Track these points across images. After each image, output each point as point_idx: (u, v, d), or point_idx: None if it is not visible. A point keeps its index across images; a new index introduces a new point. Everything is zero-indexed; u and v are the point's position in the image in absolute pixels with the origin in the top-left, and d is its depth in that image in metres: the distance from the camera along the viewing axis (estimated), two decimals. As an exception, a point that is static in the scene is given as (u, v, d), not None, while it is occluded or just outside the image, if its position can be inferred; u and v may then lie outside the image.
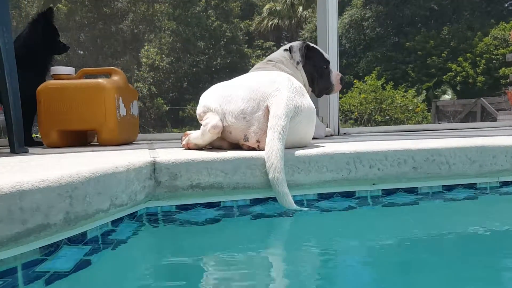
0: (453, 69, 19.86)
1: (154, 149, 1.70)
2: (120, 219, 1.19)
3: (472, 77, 19.60)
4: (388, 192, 1.49)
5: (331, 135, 2.62)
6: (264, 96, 1.42)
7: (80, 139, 2.27)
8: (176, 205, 1.33)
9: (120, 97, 2.12)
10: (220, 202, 1.35)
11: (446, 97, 19.06)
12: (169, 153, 1.45)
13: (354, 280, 0.90)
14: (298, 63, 2.35)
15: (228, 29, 21.72)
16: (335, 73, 2.50)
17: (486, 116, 14.09)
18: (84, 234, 1.06)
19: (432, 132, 2.82)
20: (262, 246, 1.11)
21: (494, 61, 19.16)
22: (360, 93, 14.65)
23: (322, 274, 0.95)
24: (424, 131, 3.09)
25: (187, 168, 1.29)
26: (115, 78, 2.17)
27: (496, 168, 1.53)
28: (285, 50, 2.39)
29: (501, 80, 18.47)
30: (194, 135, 1.54)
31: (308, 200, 1.42)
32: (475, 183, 1.55)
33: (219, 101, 1.48)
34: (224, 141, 1.54)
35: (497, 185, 1.57)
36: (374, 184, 1.47)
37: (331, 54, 2.65)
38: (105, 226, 1.14)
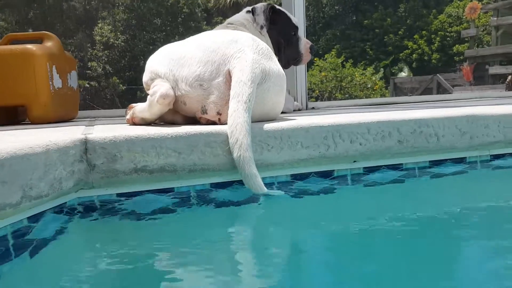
0: (409, 47, 20.15)
1: (93, 126, 1.42)
2: (41, 214, 0.92)
3: (427, 54, 19.98)
4: (370, 170, 1.29)
5: (299, 110, 2.40)
6: (225, 58, 1.17)
7: (9, 117, 1.94)
8: (117, 194, 1.07)
9: (54, 66, 1.80)
10: (173, 188, 1.10)
11: (403, 74, 19.37)
12: (107, 129, 1.17)
13: (332, 277, 0.71)
14: (262, 27, 2.06)
15: (185, 6, 20.95)
16: (304, 41, 2.20)
17: (442, 92, 14.37)
18: (-14, 237, 0.79)
19: (405, 105, 2.67)
20: (226, 241, 0.88)
21: (448, 38, 19.56)
22: (320, 71, 14.58)
23: (298, 273, 0.74)
24: (394, 104, 2.93)
25: (130, 147, 1.03)
26: (48, 44, 1.84)
27: (488, 140, 1.36)
28: (248, 11, 2.09)
29: (454, 57, 18.90)
30: (140, 108, 1.27)
31: (280, 182, 1.20)
32: (465, 157, 1.38)
33: (169, 65, 1.21)
34: (177, 114, 1.27)
35: (487, 158, 1.40)
36: (355, 161, 1.26)
37: (298, 18, 2.39)
38: (18, 224, 0.86)
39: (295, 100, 2.43)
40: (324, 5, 23.30)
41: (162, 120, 1.32)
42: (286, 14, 2.16)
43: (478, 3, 12.70)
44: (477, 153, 1.38)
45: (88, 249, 0.89)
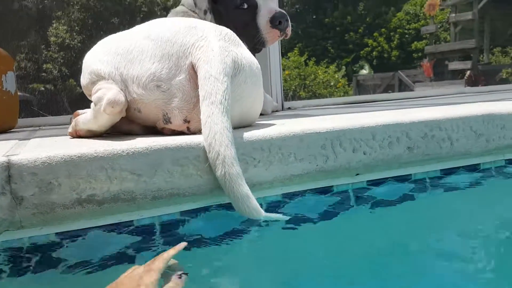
0: (369, 44, 20.44)
1: (29, 139, 1.13)
2: None
3: (387, 51, 20.30)
4: (374, 183, 1.07)
5: (276, 110, 2.15)
6: (184, 49, 0.91)
7: None
8: (56, 233, 0.80)
9: (-17, 66, 1.49)
10: (132, 221, 0.84)
11: (364, 71, 19.62)
12: (43, 146, 0.89)
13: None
14: (205, 12, 1.56)
15: (144, 4, 20.39)
16: (265, 11, 1.56)
17: (404, 88, 14.58)
18: None
19: (387, 103, 2.49)
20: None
21: (407, 35, 19.94)
22: (284, 70, 14.50)
23: None
24: (374, 101, 2.76)
25: (70, 171, 0.76)
26: (-25, 40, 1.52)
27: (505, 143, 1.17)
28: None
29: (413, 54, 19.29)
30: (84, 118, 0.98)
31: (269, 202, 0.96)
32: (479, 164, 1.19)
33: (114, 62, 0.94)
34: (133, 123, 1.01)
35: (502, 164, 1.22)
36: (357, 174, 1.04)
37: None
38: None
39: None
40: (285, 3, 23.27)
41: (116, 130, 1.05)
42: None
43: (437, -1, 12.91)
44: (492, 158, 1.19)
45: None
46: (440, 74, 12.78)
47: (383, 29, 20.15)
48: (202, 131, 0.83)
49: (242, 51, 0.99)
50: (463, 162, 1.15)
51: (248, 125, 1.06)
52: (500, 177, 1.18)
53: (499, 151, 1.19)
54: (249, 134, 0.91)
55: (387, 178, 1.08)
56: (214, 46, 0.90)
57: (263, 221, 0.83)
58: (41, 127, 1.89)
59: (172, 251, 0.67)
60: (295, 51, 15.74)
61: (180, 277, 0.62)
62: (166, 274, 0.62)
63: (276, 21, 1.56)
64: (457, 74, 12.05)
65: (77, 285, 0.70)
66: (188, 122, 0.93)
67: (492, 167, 1.20)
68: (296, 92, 14.48)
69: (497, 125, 1.15)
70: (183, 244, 0.70)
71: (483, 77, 10.47)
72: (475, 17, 10.54)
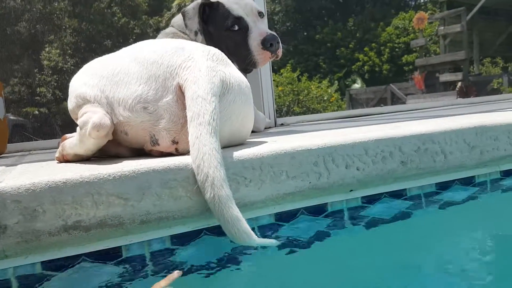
0: (360, 59, 20.70)
1: (16, 165, 1.10)
2: None
3: (378, 65, 20.56)
4: (369, 201, 1.05)
5: (269, 127, 2.14)
6: (171, 70, 0.90)
7: None
8: (42, 262, 0.77)
9: (-30, 92, 1.47)
10: (120, 248, 0.81)
11: (356, 86, 19.81)
12: (27, 171, 0.87)
13: None
14: (196, 33, 1.58)
15: (136, 26, 20.53)
16: (256, 33, 1.59)
17: (396, 101, 14.70)
18: None
19: (380, 116, 2.49)
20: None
21: (397, 49, 20.22)
22: (277, 86, 14.59)
23: None
24: (367, 115, 2.76)
25: (55, 198, 0.74)
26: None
27: (499, 154, 1.16)
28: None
29: (404, 67, 19.53)
30: (70, 142, 0.96)
31: (261, 226, 0.94)
32: (473, 176, 1.17)
33: (99, 85, 0.92)
34: (121, 146, 0.99)
35: (498, 176, 1.20)
36: (351, 190, 1.02)
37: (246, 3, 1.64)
38: None
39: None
40: (276, 22, 23.55)
41: (104, 153, 1.03)
42: (223, 6, 1.61)
43: (425, 13, 13.11)
44: (487, 170, 1.18)
45: None
46: (432, 86, 12.90)
47: (373, 44, 20.42)
48: (191, 152, 0.81)
49: (231, 71, 0.98)
50: (458, 175, 1.14)
51: (239, 144, 1.05)
52: (495, 190, 1.17)
53: (494, 163, 1.17)
54: (240, 153, 0.89)
55: (382, 193, 1.06)
56: (202, 66, 0.89)
57: (256, 246, 0.81)
58: (31, 152, 1.87)
59: (166, 280, 0.64)
60: (288, 67, 15.88)
61: None
62: None
63: (267, 44, 1.58)
64: (449, 86, 12.16)
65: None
66: (177, 143, 0.91)
67: (487, 180, 1.19)
68: (290, 107, 14.54)
69: (490, 137, 1.14)
70: (178, 273, 0.67)
71: (474, 88, 10.57)
72: (464, 29, 10.69)
